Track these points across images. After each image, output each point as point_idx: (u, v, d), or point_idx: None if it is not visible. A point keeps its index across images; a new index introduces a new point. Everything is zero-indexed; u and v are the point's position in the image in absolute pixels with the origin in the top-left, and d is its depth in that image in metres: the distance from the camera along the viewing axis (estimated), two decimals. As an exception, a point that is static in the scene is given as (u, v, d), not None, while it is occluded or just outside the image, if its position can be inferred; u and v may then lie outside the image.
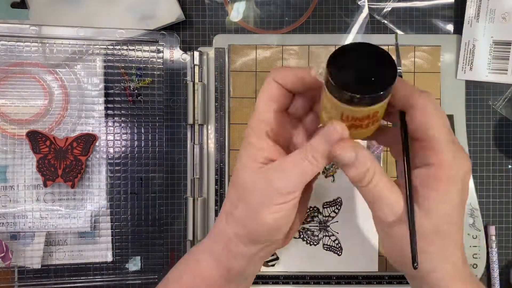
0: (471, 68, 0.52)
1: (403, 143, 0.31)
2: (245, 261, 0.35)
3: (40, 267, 0.51)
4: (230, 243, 0.35)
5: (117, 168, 0.52)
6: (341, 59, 0.28)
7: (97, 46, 0.51)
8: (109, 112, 0.52)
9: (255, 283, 0.52)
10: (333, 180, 0.52)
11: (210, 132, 0.52)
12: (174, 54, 0.52)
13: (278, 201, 0.32)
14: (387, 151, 0.52)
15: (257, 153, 0.33)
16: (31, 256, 0.51)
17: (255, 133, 0.33)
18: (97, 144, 0.51)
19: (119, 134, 0.52)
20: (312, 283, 0.52)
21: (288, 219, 0.34)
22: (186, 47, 0.53)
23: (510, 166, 0.53)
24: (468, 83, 0.53)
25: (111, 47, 0.51)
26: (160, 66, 0.52)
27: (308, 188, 0.37)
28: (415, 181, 0.31)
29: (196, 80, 0.51)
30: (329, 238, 0.52)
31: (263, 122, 0.33)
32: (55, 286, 0.51)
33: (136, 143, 0.52)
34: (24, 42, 0.50)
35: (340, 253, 0.52)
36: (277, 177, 0.32)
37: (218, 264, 0.36)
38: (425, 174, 0.31)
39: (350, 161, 0.30)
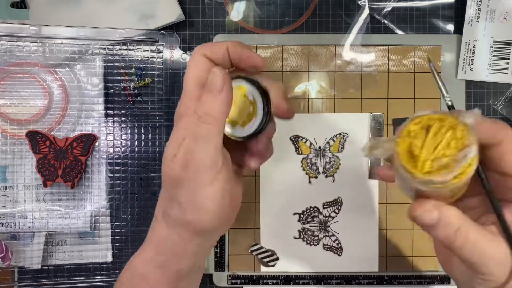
0: (471, 68, 0.52)
1: (486, 189, 0.28)
2: (194, 257, 0.34)
3: (40, 267, 0.51)
4: (176, 247, 0.33)
5: (117, 168, 0.52)
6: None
7: (97, 46, 0.51)
8: (109, 112, 0.52)
9: (255, 283, 0.52)
10: (333, 180, 0.52)
11: (210, 132, 0.52)
12: (174, 54, 0.52)
13: (207, 179, 0.31)
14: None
15: (179, 136, 0.33)
16: (31, 256, 0.50)
17: (187, 115, 0.33)
18: (97, 144, 0.51)
19: (119, 134, 0.52)
20: (312, 283, 0.52)
21: (226, 196, 0.32)
22: (186, 47, 0.53)
23: (510, 166, 0.53)
24: (469, 83, 0.53)
25: (111, 47, 0.51)
26: (160, 66, 0.52)
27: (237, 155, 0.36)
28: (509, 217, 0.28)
29: (196, 80, 0.51)
30: (329, 238, 0.52)
31: (194, 99, 0.33)
32: (55, 286, 0.51)
33: (136, 143, 0.52)
34: (24, 42, 0.50)
35: (340, 253, 0.52)
36: (195, 155, 0.31)
37: (165, 271, 0.33)
38: None
39: (432, 222, 0.27)
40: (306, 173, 0.52)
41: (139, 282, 0.34)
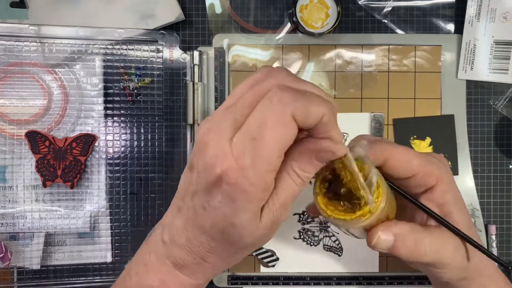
0: (472, 68, 0.52)
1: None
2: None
3: (39, 267, 0.51)
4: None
5: (116, 168, 0.52)
6: None
7: (97, 46, 0.51)
8: (109, 112, 0.52)
9: (255, 283, 0.52)
10: (334, 180, 0.52)
11: (210, 132, 0.52)
12: (174, 53, 0.51)
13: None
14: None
15: (258, 205, 0.29)
16: (30, 256, 0.50)
17: (260, 184, 0.27)
18: (96, 144, 0.51)
19: (118, 134, 0.52)
20: (312, 283, 0.52)
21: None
22: (186, 47, 0.52)
23: (511, 166, 0.53)
24: (469, 83, 0.53)
25: (111, 46, 0.51)
26: (159, 65, 0.52)
27: None
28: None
29: (196, 80, 0.51)
30: (330, 239, 0.52)
31: (271, 173, 0.28)
32: (55, 286, 0.51)
33: (135, 143, 0.52)
34: (23, 41, 0.50)
35: (340, 254, 0.52)
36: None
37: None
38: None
39: (390, 244, 0.32)
40: (306, 173, 0.52)
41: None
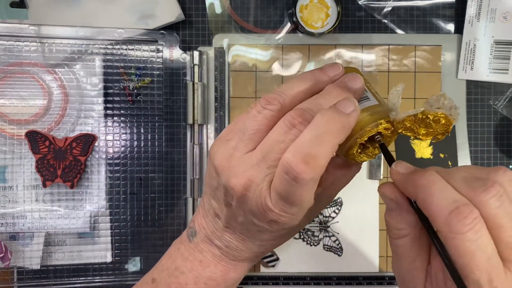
0: (472, 68, 0.52)
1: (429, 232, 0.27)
2: None
3: (39, 267, 0.51)
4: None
5: (116, 168, 0.52)
6: None
7: (97, 46, 0.51)
8: (109, 112, 0.52)
9: (255, 283, 0.52)
10: (334, 180, 0.52)
11: (210, 132, 0.52)
12: (174, 53, 0.51)
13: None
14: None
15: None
16: (30, 256, 0.50)
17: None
18: (96, 144, 0.51)
19: (118, 134, 0.52)
20: (312, 283, 0.52)
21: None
22: (186, 47, 0.52)
23: (511, 166, 0.53)
24: (469, 83, 0.53)
25: (111, 46, 0.51)
26: (159, 65, 0.52)
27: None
28: None
29: (196, 80, 0.51)
30: (330, 239, 0.52)
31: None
32: (55, 286, 0.51)
33: (135, 143, 0.52)
34: (23, 41, 0.50)
35: (340, 254, 0.52)
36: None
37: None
38: None
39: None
40: (306, 173, 0.52)
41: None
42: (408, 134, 0.31)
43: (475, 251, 0.23)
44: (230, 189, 0.30)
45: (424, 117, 0.30)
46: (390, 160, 0.30)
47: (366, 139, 0.30)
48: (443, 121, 0.29)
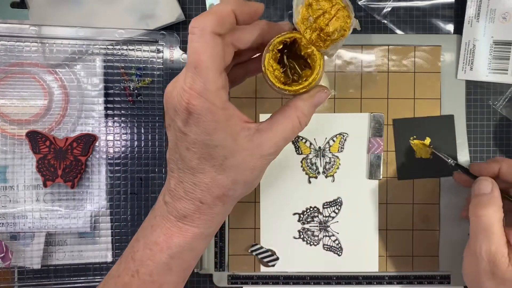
0: (471, 68, 0.52)
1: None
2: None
3: (40, 267, 0.51)
4: (221, 219, 0.38)
5: (117, 168, 0.52)
6: None
7: (97, 46, 0.51)
8: (109, 112, 0.52)
9: (255, 283, 0.52)
10: (333, 180, 0.52)
11: (210, 132, 0.52)
12: (174, 54, 0.52)
13: (265, 168, 0.36)
14: (387, 151, 0.52)
15: (235, 126, 0.34)
16: (31, 256, 0.51)
17: (221, 109, 0.33)
18: (97, 144, 0.51)
19: (119, 134, 0.52)
20: (312, 283, 0.52)
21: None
22: (186, 47, 0.53)
23: (510, 166, 0.53)
24: (469, 83, 0.53)
25: (111, 47, 0.51)
26: (160, 66, 0.52)
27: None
28: None
29: (196, 80, 0.51)
30: (329, 238, 0.52)
31: (222, 91, 0.33)
32: (55, 286, 0.51)
33: (136, 143, 0.52)
34: (24, 42, 0.50)
35: (340, 253, 0.52)
36: (272, 152, 0.35)
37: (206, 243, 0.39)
38: None
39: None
40: (306, 173, 0.52)
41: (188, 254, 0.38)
42: (316, 38, 0.35)
43: None
44: (165, 102, 0.34)
45: (314, 3, 0.34)
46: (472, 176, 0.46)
47: (272, 47, 0.34)
48: (344, 13, 0.35)
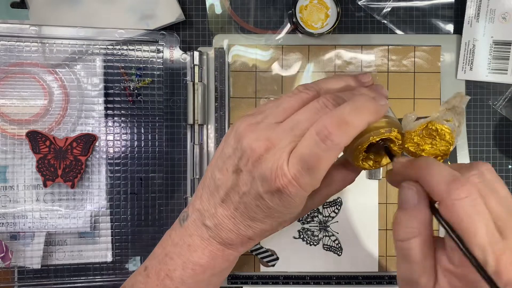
0: (471, 68, 0.52)
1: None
2: None
3: (40, 267, 0.51)
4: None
5: (117, 168, 0.52)
6: None
7: (97, 46, 0.51)
8: (109, 112, 0.52)
9: (255, 283, 0.52)
10: (333, 180, 0.52)
11: (210, 132, 0.52)
12: (174, 54, 0.52)
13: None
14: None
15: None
16: (31, 256, 0.51)
17: (313, 187, 0.31)
18: (97, 144, 0.51)
19: (119, 134, 0.52)
20: (312, 283, 0.52)
21: None
22: (186, 47, 0.53)
23: (510, 166, 0.53)
24: (468, 83, 0.53)
25: (111, 47, 0.51)
26: (160, 66, 0.52)
27: None
28: None
29: (196, 80, 0.51)
30: (329, 238, 0.52)
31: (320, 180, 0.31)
32: (55, 286, 0.51)
33: (136, 143, 0.52)
34: (24, 42, 0.50)
35: (340, 253, 0.52)
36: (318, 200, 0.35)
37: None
38: None
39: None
40: (306, 173, 0.52)
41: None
42: (412, 150, 0.33)
43: (475, 215, 0.26)
44: (249, 150, 0.31)
45: (431, 127, 0.32)
46: (392, 157, 0.32)
47: (377, 139, 0.31)
48: (448, 137, 0.32)
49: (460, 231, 0.26)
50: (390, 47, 0.52)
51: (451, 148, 0.32)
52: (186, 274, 0.35)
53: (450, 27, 0.53)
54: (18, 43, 0.50)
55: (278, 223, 0.34)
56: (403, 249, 0.29)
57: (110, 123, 0.52)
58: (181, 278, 0.35)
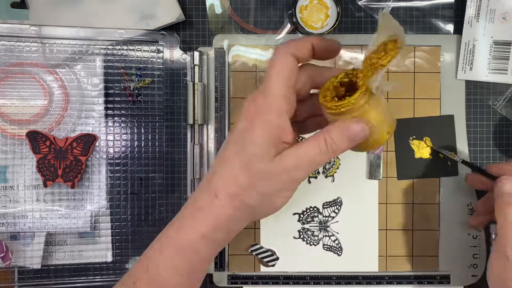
0: (471, 68, 0.52)
1: None
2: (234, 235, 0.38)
3: (40, 267, 0.51)
4: (236, 226, 0.37)
5: (117, 168, 0.52)
6: None
7: (97, 46, 0.51)
8: (109, 112, 0.52)
9: (255, 283, 0.52)
10: (333, 180, 0.52)
11: (210, 132, 0.52)
12: (174, 54, 0.52)
13: (291, 187, 0.35)
14: (387, 151, 0.52)
15: (276, 133, 0.34)
16: (31, 256, 0.51)
17: (275, 109, 0.34)
18: (97, 144, 0.51)
19: (119, 134, 0.52)
20: (312, 283, 0.52)
21: None
22: (186, 47, 0.53)
23: (510, 166, 0.53)
24: (468, 83, 0.53)
25: (111, 47, 0.51)
26: (160, 66, 0.52)
27: None
28: None
29: (196, 80, 0.51)
30: (329, 238, 0.52)
31: (282, 99, 0.34)
32: (55, 286, 0.51)
33: (136, 143, 0.52)
34: (24, 42, 0.50)
35: (340, 253, 0.52)
36: (294, 169, 0.34)
37: (216, 247, 0.37)
38: None
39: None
40: (306, 173, 0.52)
41: (192, 254, 0.36)
42: (373, 63, 0.34)
43: None
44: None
45: (383, 42, 0.34)
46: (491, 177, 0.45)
47: (338, 80, 0.35)
48: (397, 42, 0.33)
49: None
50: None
51: (402, 49, 0.33)
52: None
53: (450, 27, 0.53)
54: (18, 43, 0.50)
55: (244, 172, 0.35)
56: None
57: (110, 123, 0.52)
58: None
